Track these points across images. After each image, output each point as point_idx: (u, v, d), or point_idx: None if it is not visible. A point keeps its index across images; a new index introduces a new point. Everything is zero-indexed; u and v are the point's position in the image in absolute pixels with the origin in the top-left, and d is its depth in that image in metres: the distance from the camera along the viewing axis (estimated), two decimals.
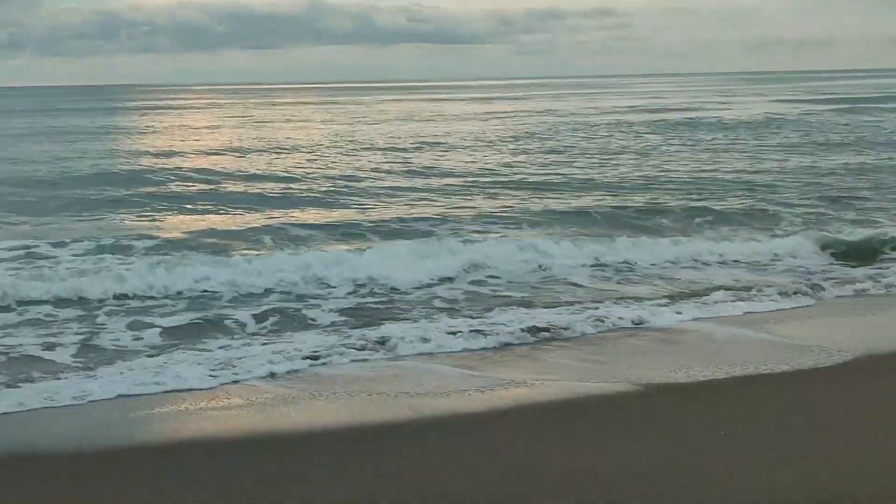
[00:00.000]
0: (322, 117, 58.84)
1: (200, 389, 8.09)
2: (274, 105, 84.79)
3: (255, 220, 17.81)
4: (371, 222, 17.19)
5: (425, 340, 9.52)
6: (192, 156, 31.07)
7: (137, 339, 9.86)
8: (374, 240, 15.60)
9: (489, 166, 26.64)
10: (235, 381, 8.33)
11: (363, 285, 12.11)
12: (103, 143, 36.61)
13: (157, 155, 31.26)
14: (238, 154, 31.67)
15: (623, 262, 13.45)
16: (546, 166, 26.67)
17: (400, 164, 27.67)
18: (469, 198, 20.49)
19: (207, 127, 48.99)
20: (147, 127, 49.16)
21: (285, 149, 33.51)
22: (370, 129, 44.63)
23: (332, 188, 22.61)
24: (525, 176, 24.34)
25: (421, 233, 16.07)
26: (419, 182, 23.39)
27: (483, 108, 68.32)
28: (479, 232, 16.12)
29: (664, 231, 16.11)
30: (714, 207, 18.40)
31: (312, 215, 18.39)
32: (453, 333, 9.75)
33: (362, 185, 23.15)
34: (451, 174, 24.93)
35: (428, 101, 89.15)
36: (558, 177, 24.03)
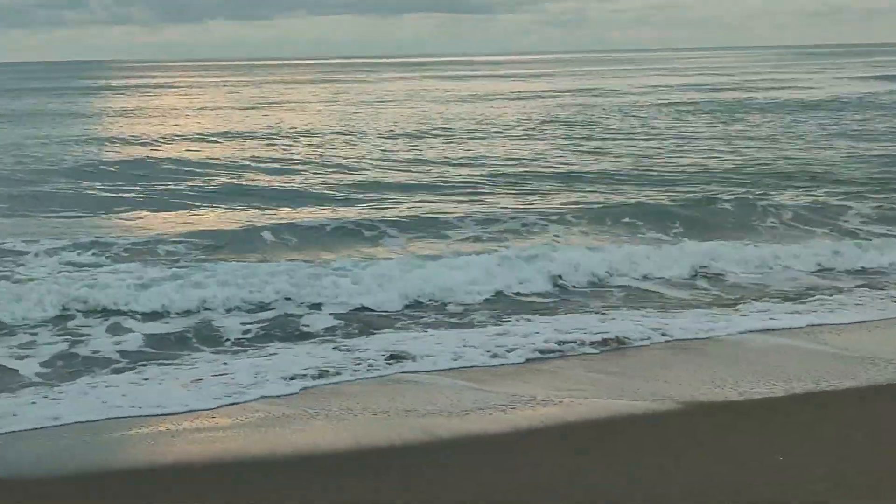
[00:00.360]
0: (322, 97, 59.07)
1: (192, 411, 8.18)
2: (266, 83, 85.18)
3: (262, 216, 17.72)
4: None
5: (438, 354, 9.63)
6: (175, 143, 31.26)
7: (117, 350, 9.98)
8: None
9: (522, 155, 26.55)
10: (227, 400, 8.42)
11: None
12: (73, 129, 36.84)
13: (135, 142, 31.41)
14: (230, 141, 31.78)
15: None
16: (590, 154, 26.68)
17: (412, 153, 27.70)
18: (512, 192, 20.38)
19: (191, 109, 49.23)
20: (123, 110, 49.41)
21: (282, 134, 33.64)
22: (380, 111, 44.72)
23: (334, 180, 22.61)
24: (567, 166, 24.31)
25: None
26: (451, 173, 23.31)
27: (507, 88, 68.37)
28: (536, 231, 16.10)
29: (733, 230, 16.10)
30: (778, 201, 18.20)
31: (318, 212, 18.34)
32: (471, 347, 9.86)
33: (374, 176, 23.16)
34: (480, 163, 24.92)
35: (442, 78, 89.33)
36: (608, 165, 24.04)
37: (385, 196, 20.05)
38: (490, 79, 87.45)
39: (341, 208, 18.71)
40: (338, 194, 20.56)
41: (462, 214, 17.31)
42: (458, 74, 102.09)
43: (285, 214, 18.04)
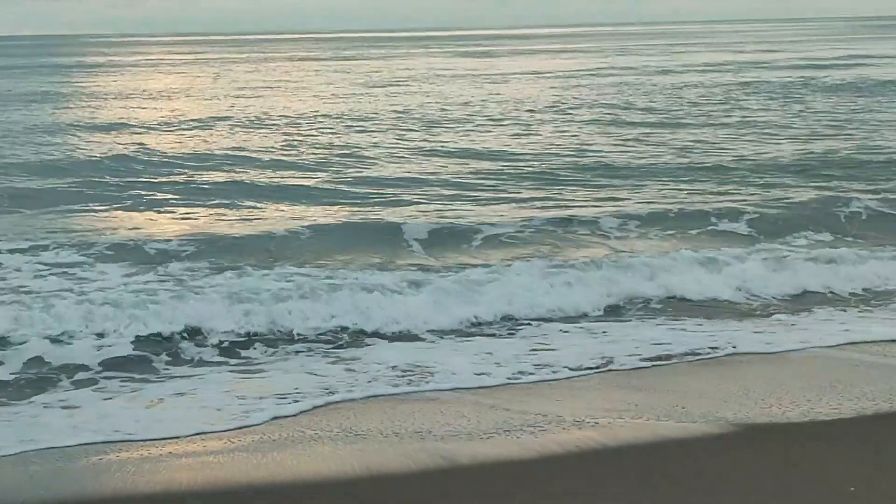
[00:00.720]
0: (329, 77, 59.12)
1: (178, 436, 8.20)
2: (265, 61, 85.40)
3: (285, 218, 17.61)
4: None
5: (458, 369, 9.71)
6: (159, 131, 31.28)
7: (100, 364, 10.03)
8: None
9: (559, 144, 26.46)
10: (221, 423, 8.45)
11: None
12: (42, 115, 36.99)
13: (113, 130, 31.48)
14: (223, 128, 31.85)
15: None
16: (636, 143, 26.63)
17: (430, 143, 27.73)
18: (552, 188, 20.26)
19: (177, 91, 49.43)
20: (100, 92, 49.56)
21: (284, 120, 33.70)
22: (396, 94, 44.77)
23: (346, 174, 22.46)
24: (612, 156, 24.28)
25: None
26: (474, 167, 23.23)
27: (535, 65, 68.35)
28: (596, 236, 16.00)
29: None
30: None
31: (332, 212, 18.27)
32: (496, 364, 9.93)
33: (391, 170, 23.07)
34: (513, 155, 24.83)
35: (463, 56, 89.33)
36: (664, 157, 23.90)
37: (404, 193, 19.96)
38: (516, 55, 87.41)
39: (360, 207, 18.54)
40: (353, 191, 20.37)
41: (500, 218, 17.06)
42: (482, 50, 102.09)
43: (296, 214, 17.98)
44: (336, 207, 18.64)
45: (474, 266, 13.80)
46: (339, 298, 11.88)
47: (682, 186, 20.27)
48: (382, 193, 20.00)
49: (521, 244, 15.50)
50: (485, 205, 18.71)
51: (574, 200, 18.94)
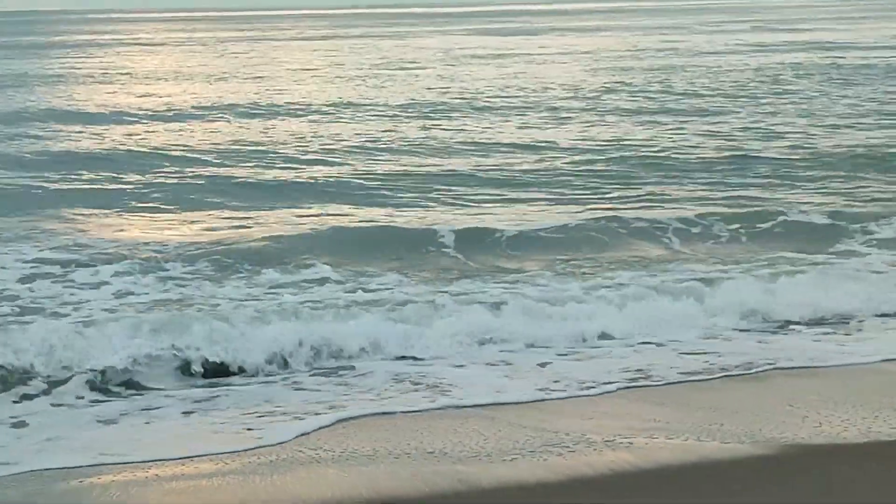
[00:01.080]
0: (337, 59, 58.92)
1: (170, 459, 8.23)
2: (264, 39, 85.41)
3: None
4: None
5: (476, 383, 9.74)
6: (148, 120, 31.32)
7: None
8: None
9: (597, 136, 26.49)
10: (215, 445, 8.49)
11: None
12: (20, 100, 37.12)
13: (98, 120, 31.48)
14: (221, 117, 31.88)
15: None
16: (683, 134, 26.63)
17: (453, 134, 27.63)
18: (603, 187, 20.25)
19: (167, 74, 49.54)
20: (86, 75, 49.65)
21: (289, 108, 33.66)
22: (411, 77, 44.75)
23: (362, 169, 22.37)
24: (661, 147, 24.32)
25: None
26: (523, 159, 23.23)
27: (563, 43, 68.18)
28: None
29: None
30: None
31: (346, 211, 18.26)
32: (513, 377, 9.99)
33: (417, 163, 23.13)
34: (550, 146, 24.79)
35: (483, 34, 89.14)
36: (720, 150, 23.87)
37: (431, 191, 19.97)
38: (538, 34, 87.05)
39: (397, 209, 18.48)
40: (378, 188, 20.30)
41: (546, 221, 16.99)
42: (501, 28, 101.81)
43: (312, 216, 17.96)
44: (366, 209, 18.61)
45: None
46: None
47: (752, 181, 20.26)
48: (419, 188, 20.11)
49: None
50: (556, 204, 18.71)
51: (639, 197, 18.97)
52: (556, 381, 9.92)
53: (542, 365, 10.52)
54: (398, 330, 11.27)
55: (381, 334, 11.15)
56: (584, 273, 14.01)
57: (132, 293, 13.14)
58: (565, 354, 10.89)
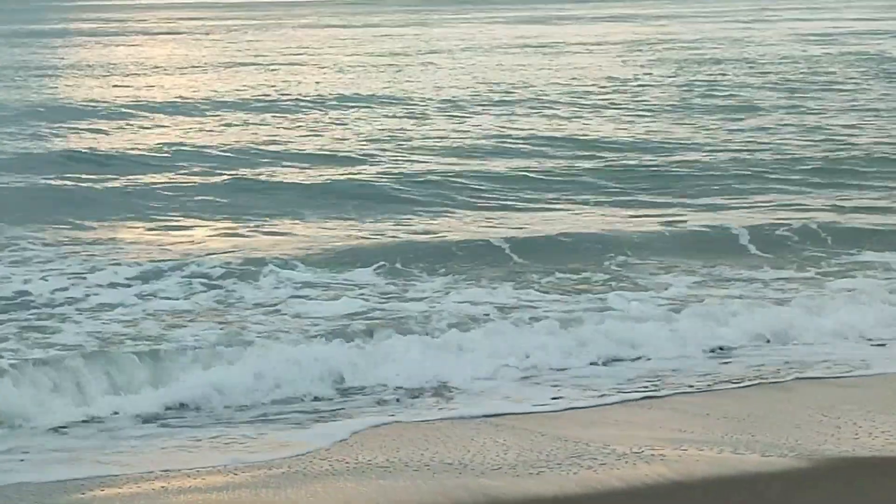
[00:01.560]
0: (358, 49, 58.25)
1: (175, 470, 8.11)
2: (280, 26, 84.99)
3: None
4: None
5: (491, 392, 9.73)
6: (155, 115, 30.97)
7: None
8: None
9: (647, 135, 25.53)
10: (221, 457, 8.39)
11: None
12: (22, 92, 37.00)
13: (96, 116, 30.95)
14: (236, 111, 30.86)
15: None
16: (739, 133, 25.59)
17: (494, 129, 26.90)
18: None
19: (175, 65, 49.35)
20: (89, 65, 49.51)
21: (313, 102, 32.88)
22: (436, 69, 44.12)
23: (400, 170, 21.55)
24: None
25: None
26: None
27: (595, 32, 67.41)
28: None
29: None
30: None
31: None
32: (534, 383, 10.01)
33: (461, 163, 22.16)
34: (594, 146, 23.92)
35: (509, 22, 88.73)
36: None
37: (478, 196, 19.20)
38: (566, 23, 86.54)
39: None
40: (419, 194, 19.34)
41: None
42: (531, 16, 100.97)
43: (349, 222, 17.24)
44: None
45: None
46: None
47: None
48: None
49: None
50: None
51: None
52: (571, 389, 9.90)
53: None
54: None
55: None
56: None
57: None
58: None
